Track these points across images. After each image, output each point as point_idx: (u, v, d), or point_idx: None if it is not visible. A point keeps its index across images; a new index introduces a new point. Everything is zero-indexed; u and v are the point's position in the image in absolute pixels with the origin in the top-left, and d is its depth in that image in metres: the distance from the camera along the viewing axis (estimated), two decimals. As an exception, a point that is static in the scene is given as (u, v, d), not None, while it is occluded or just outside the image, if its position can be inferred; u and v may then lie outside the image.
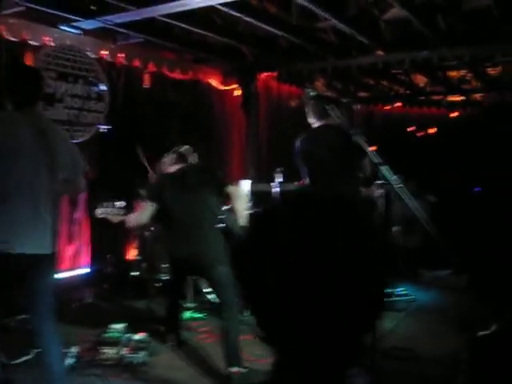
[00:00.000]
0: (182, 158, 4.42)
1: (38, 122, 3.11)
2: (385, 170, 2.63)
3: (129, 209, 4.40)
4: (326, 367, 0.93)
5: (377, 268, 0.94)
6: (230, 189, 4.30)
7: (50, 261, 3.16)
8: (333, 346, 0.91)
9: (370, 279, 0.92)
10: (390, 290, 5.40)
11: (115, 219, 4.28)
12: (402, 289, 6.03)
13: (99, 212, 4.24)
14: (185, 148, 4.50)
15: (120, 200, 4.27)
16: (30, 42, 5.38)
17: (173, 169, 4.39)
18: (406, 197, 2.59)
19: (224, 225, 4.39)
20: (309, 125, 4.59)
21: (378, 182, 2.71)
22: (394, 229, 5.80)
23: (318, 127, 4.36)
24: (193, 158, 4.51)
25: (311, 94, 2.93)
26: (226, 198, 4.45)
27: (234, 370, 3.88)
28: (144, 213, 4.25)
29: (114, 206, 4.23)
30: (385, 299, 0.96)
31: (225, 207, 4.80)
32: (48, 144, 3.07)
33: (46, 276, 3.17)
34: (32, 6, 5.01)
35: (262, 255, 0.96)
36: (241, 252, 1.04)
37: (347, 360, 0.94)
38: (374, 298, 0.94)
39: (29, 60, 5.36)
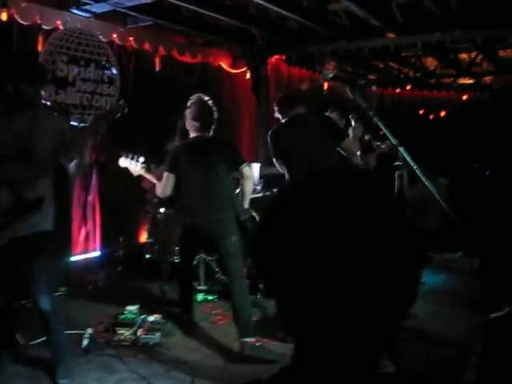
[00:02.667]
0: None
1: None
2: (403, 151, 2.63)
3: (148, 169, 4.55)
4: (353, 351, 0.85)
5: (406, 248, 0.84)
6: (246, 169, 4.31)
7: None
8: (360, 329, 0.83)
9: (399, 259, 0.82)
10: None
11: (135, 172, 4.45)
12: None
13: (122, 161, 4.42)
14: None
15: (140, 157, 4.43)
16: (43, 26, 5.37)
17: (192, 134, 4.36)
18: (423, 178, 2.60)
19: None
20: (318, 107, 4.62)
21: (395, 163, 2.69)
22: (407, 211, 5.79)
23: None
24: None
25: (329, 75, 2.92)
26: (239, 178, 4.48)
27: (248, 340, 3.95)
28: (167, 184, 4.29)
29: (137, 160, 4.39)
30: (418, 284, 0.86)
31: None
32: None
33: None
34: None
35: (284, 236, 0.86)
36: (261, 235, 0.94)
37: (376, 345, 0.87)
38: (405, 281, 0.84)
39: (41, 44, 5.36)
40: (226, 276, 4.36)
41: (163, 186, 4.32)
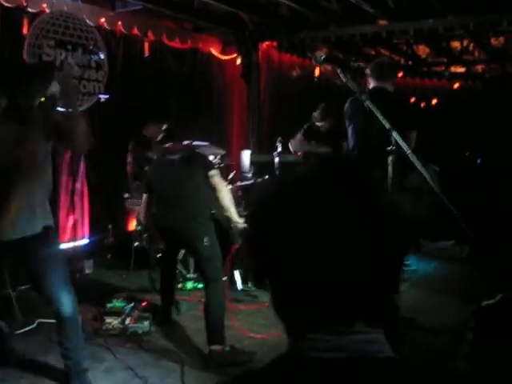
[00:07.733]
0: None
1: None
2: (396, 135, 2.58)
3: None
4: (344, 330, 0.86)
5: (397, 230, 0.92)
6: (215, 178, 3.96)
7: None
8: (352, 311, 0.86)
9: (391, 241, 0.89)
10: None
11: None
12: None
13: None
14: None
15: None
16: (28, 9, 5.24)
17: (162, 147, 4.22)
18: (417, 164, 2.55)
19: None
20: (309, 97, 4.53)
21: (388, 148, 2.64)
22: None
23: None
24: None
25: (320, 58, 2.86)
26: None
27: (215, 347, 3.74)
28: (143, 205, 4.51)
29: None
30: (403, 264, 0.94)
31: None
32: None
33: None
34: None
35: (282, 220, 0.88)
36: (258, 215, 0.95)
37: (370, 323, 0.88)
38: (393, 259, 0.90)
39: (26, 27, 5.24)
40: (202, 279, 4.19)
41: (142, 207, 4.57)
